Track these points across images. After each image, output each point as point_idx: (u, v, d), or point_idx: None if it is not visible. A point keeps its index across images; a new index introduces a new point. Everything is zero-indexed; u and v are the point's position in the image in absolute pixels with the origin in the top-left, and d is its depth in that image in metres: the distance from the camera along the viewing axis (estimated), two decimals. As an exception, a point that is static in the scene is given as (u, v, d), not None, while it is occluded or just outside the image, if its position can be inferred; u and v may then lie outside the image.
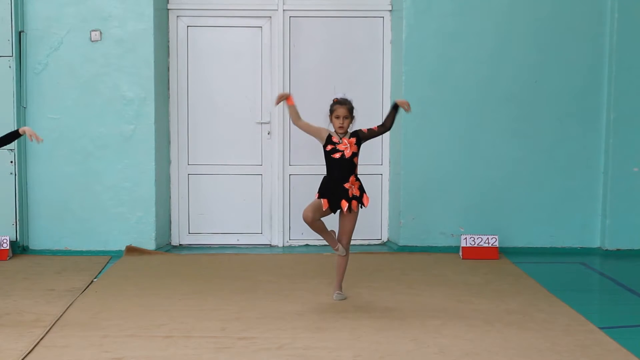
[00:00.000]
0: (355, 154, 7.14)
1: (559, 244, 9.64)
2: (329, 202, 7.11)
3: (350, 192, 7.13)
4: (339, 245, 7.25)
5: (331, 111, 7.16)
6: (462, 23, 9.43)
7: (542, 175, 9.58)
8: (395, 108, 7.20)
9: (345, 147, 7.10)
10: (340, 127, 7.10)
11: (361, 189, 7.23)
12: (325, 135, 7.16)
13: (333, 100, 7.20)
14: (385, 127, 7.19)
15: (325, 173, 7.22)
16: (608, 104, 9.46)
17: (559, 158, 9.56)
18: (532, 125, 9.52)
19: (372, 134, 7.17)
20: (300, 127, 7.23)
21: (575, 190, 9.59)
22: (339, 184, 7.11)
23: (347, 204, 7.12)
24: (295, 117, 7.22)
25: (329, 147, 7.13)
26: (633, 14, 9.35)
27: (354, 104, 7.18)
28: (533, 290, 7.72)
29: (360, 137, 7.16)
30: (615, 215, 9.47)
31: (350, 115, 7.11)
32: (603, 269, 8.91)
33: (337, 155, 7.11)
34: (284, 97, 7.26)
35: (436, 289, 7.79)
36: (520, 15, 9.44)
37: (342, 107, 7.09)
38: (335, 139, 7.14)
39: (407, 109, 7.18)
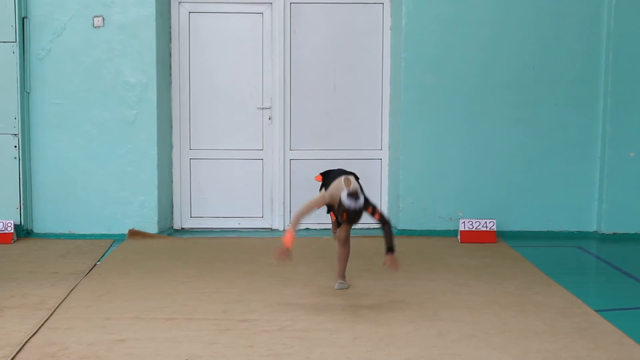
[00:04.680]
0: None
1: (556, 228, 9.70)
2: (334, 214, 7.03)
3: None
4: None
5: (341, 208, 6.62)
6: (461, 9, 9.45)
7: (539, 160, 9.63)
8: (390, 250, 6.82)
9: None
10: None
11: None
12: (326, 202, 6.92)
13: (346, 205, 6.56)
14: (382, 221, 6.84)
15: (324, 170, 7.26)
16: (605, 89, 9.49)
17: (557, 143, 9.61)
18: (530, 111, 9.56)
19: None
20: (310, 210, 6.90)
21: (572, 174, 9.64)
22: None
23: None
24: (304, 213, 6.89)
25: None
26: (631, 0, 9.39)
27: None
28: (530, 274, 7.78)
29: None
30: (612, 200, 9.53)
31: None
32: (599, 252, 8.98)
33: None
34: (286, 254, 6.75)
35: (435, 272, 7.85)
36: (518, 2, 9.46)
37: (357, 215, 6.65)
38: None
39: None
